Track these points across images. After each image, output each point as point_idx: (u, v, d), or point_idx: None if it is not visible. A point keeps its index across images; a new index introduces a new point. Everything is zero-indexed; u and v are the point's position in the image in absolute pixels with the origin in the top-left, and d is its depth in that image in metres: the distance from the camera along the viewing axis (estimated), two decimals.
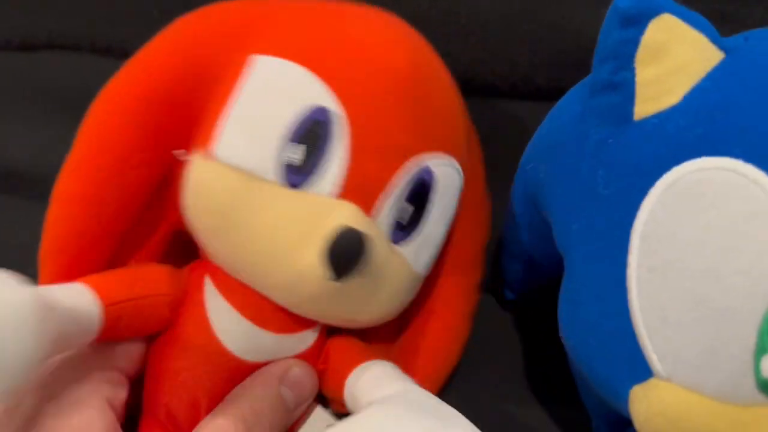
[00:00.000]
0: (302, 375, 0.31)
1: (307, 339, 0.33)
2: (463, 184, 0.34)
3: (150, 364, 0.31)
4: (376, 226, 0.30)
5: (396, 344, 0.38)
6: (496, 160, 0.39)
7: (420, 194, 0.31)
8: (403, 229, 0.31)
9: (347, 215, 0.28)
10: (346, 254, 0.27)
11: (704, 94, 0.22)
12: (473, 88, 0.39)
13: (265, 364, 0.32)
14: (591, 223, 0.24)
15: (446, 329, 0.37)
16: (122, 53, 0.31)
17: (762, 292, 0.20)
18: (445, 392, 0.37)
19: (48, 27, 0.45)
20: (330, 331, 0.35)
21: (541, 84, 0.39)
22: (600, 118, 0.24)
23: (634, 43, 0.22)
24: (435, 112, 0.32)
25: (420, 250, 0.32)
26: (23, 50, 0.46)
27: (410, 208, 0.31)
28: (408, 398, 0.28)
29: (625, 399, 0.23)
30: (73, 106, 0.31)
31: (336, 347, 0.34)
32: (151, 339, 0.31)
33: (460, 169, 0.33)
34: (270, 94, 0.30)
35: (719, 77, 0.22)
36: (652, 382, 0.22)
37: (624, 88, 0.23)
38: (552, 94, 0.36)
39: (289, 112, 0.29)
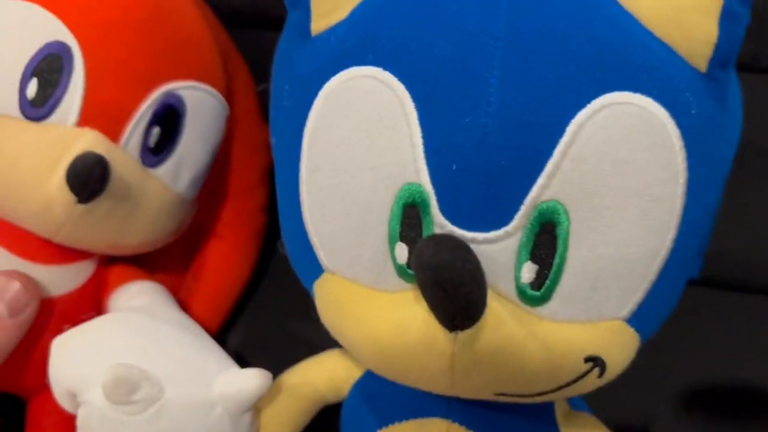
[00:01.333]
0: (9, 286, 0.30)
1: (83, 270, 0.34)
2: (227, 109, 0.35)
3: None
4: (122, 151, 0.31)
5: (186, 272, 0.39)
6: None
7: (170, 119, 0.32)
8: (156, 152, 0.32)
9: (88, 142, 0.29)
10: (85, 176, 0.28)
11: (363, 8, 0.23)
12: None
13: (48, 299, 0.32)
14: (280, 134, 0.25)
15: (232, 249, 0.39)
16: None
17: (389, 185, 0.21)
18: None
19: None
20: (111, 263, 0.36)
21: None
22: (290, 34, 0.25)
23: None
24: (181, 42, 0.32)
25: (178, 172, 0.33)
26: None
27: (159, 133, 0.32)
28: (147, 310, 0.31)
29: (313, 295, 0.25)
30: None
31: (112, 274, 0.35)
32: None
33: (219, 95, 0.34)
34: (4, 34, 0.30)
35: None
36: (324, 277, 0.24)
37: (303, 4, 0.24)
38: None
39: (23, 49, 0.30)
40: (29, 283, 0.31)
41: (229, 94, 0.35)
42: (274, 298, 0.40)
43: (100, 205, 0.30)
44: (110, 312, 0.33)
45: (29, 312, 0.30)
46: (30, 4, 0.30)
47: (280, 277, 0.40)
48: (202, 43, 0.34)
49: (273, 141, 0.26)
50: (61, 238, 0.32)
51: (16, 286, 0.30)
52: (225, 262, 0.39)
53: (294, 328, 0.38)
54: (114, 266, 0.36)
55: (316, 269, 0.24)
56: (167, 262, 0.38)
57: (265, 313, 0.40)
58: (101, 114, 0.30)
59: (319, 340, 0.28)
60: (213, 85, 0.34)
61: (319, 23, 0.24)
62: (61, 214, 0.30)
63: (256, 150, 0.39)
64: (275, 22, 0.28)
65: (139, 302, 0.32)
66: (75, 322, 0.33)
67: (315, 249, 0.24)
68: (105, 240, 0.32)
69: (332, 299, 0.24)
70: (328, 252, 0.24)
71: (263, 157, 0.39)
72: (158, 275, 0.38)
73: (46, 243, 0.32)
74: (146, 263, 0.37)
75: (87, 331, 0.29)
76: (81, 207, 0.29)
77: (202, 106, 0.33)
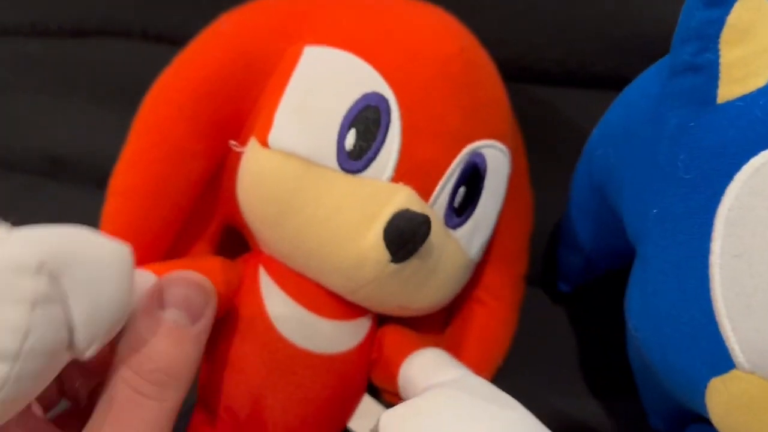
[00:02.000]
0: (181, 289, 0.25)
1: (362, 327, 0.33)
2: (510, 168, 0.34)
3: (205, 356, 0.31)
4: (432, 209, 0.30)
5: (443, 335, 0.37)
6: (550, 149, 0.38)
7: (473, 178, 0.31)
8: (458, 213, 0.31)
9: (405, 198, 0.28)
10: (404, 235, 0.28)
11: None
12: (527, 74, 0.39)
13: (325, 356, 0.31)
14: (670, 208, 0.23)
15: (494, 319, 0.37)
16: (172, 40, 0.32)
17: None
18: (498, 385, 0.36)
19: (100, 14, 0.45)
20: (380, 322, 0.35)
21: (599, 71, 0.38)
22: (680, 100, 0.23)
23: (719, 24, 0.21)
24: (484, 99, 0.32)
25: (473, 235, 0.32)
26: (75, 36, 0.46)
27: (464, 193, 0.31)
28: (465, 383, 0.28)
29: (701, 391, 0.23)
30: (123, 93, 0.31)
31: (388, 335, 0.34)
32: None
33: (508, 153, 0.33)
34: (324, 83, 0.30)
35: None
36: (733, 374, 0.21)
37: (707, 69, 0.22)
38: (609, 82, 0.35)
39: (343, 99, 0.29)
40: (203, 286, 0.26)
41: (511, 153, 0.34)
42: None
43: (408, 266, 0.29)
44: (416, 385, 0.31)
45: (209, 315, 0.26)
46: (349, 54, 0.30)
47: None
48: (501, 99, 0.33)
49: (650, 213, 0.24)
50: (358, 296, 0.30)
51: (193, 290, 0.26)
52: (485, 330, 0.37)
53: None
54: (387, 326, 0.34)
55: (721, 365, 0.21)
56: (427, 323, 0.37)
57: None
58: (416, 170, 0.29)
59: None
60: (505, 143, 0.33)
61: (730, 90, 0.22)
62: (371, 272, 0.29)
63: (523, 214, 0.37)
64: None
65: (448, 376, 0.30)
66: (349, 380, 0.33)
67: (727, 343, 0.21)
68: (399, 301, 0.31)
69: (745, 401, 0.21)
70: (752, 349, 0.21)
71: (528, 222, 0.38)
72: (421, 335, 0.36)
73: (333, 297, 0.31)
74: (407, 323, 0.35)
75: (421, 410, 0.27)
76: (392, 266, 0.28)
77: (498, 164, 0.32)
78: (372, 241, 0.28)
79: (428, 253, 0.29)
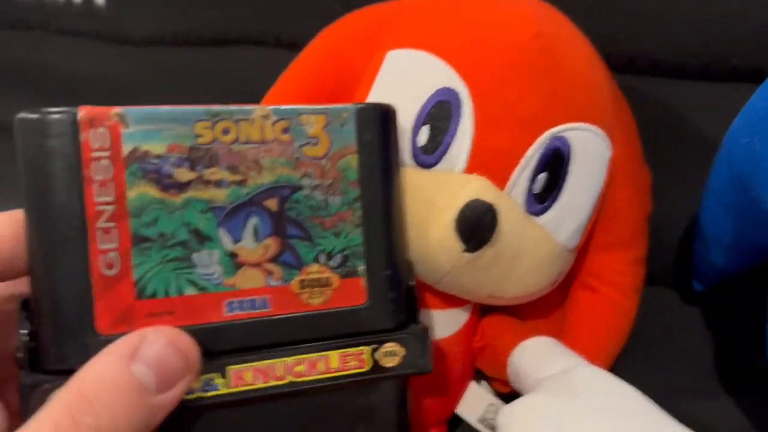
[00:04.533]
0: (162, 349, 0.22)
1: (459, 317, 0.34)
2: (613, 152, 0.32)
3: None
4: (508, 197, 0.30)
5: (554, 324, 0.37)
6: (685, 142, 0.37)
7: (555, 163, 0.30)
8: (541, 200, 0.30)
9: (476, 189, 0.29)
10: (474, 224, 0.28)
11: None
12: (662, 68, 0.37)
13: None
14: None
15: (607, 306, 0.35)
16: (305, 46, 0.34)
17: None
18: None
19: (237, 24, 0.49)
20: (485, 311, 0.35)
21: (737, 64, 0.35)
22: None
23: None
24: (568, 82, 0.31)
25: (562, 221, 0.31)
26: (213, 45, 0.50)
27: (545, 179, 0.30)
28: (579, 375, 0.28)
29: None
30: (256, 98, 0.34)
31: (492, 324, 0.34)
32: None
33: (606, 136, 0.32)
34: (399, 84, 0.31)
35: None
36: None
37: None
38: (746, 74, 0.34)
39: (417, 98, 0.30)
40: (186, 353, 0.22)
41: (612, 136, 0.32)
42: None
43: (484, 254, 0.29)
44: (526, 376, 0.31)
45: (178, 390, 0.22)
46: (424, 53, 0.31)
47: None
48: (592, 81, 0.32)
49: None
50: (443, 285, 0.31)
51: (173, 354, 0.22)
52: (597, 317, 0.36)
53: None
54: (491, 315, 0.35)
55: None
56: (535, 312, 0.36)
57: None
58: (489, 160, 0.29)
59: None
60: (601, 125, 0.31)
61: None
62: (447, 262, 0.29)
63: (638, 197, 0.35)
64: None
65: (560, 366, 0.30)
66: (449, 367, 0.33)
67: None
68: (485, 289, 0.31)
69: None
70: None
71: (645, 205, 0.36)
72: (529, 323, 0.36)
73: (427, 287, 0.32)
74: (516, 314, 0.36)
75: (536, 406, 0.27)
76: (467, 256, 0.29)
77: (588, 147, 0.31)
78: (445, 232, 0.29)
79: (507, 241, 0.29)
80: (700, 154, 0.34)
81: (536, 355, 0.32)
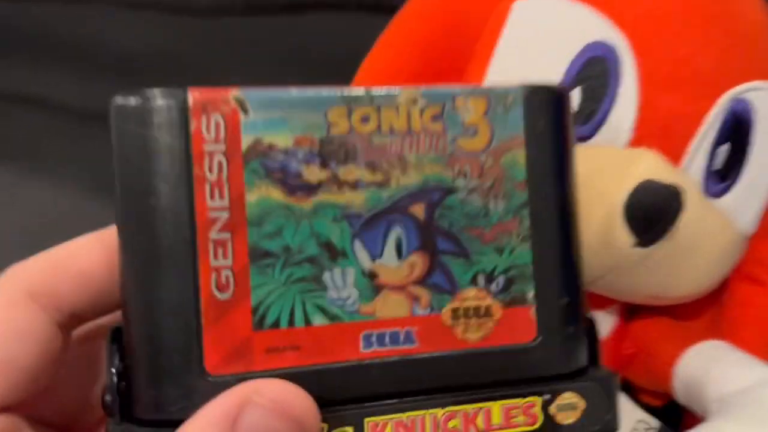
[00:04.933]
0: (267, 419, 0.17)
1: (606, 321, 0.30)
2: None
3: None
4: (686, 177, 0.26)
5: (712, 323, 0.32)
6: None
7: (738, 132, 0.26)
8: (721, 178, 0.27)
9: (649, 166, 0.25)
10: (651, 215, 0.24)
11: None
12: None
13: None
14: None
15: None
16: (391, 8, 0.30)
17: None
18: None
19: None
20: (632, 313, 0.31)
21: None
22: None
23: None
24: (747, 32, 0.27)
25: (744, 203, 0.27)
26: (286, 12, 0.47)
27: (727, 151, 0.27)
28: None
29: None
30: (339, 68, 0.30)
31: (647, 329, 0.30)
32: None
33: None
34: (536, 40, 0.28)
35: None
36: None
37: None
38: None
39: (560, 56, 0.27)
40: (302, 423, 0.17)
41: None
42: None
43: (659, 249, 0.25)
44: (703, 390, 0.27)
45: None
46: (563, 0, 0.27)
47: None
48: None
49: None
50: (598, 286, 0.27)
51: (285, 425, 0.17)
52: (766, 314, 0.31)
53: None
54: (642, 317, 0.30)
55: None
56: (691, 311, 0.31)
57: None
58: (660, 130, 0.26)
59: None
60: None
61: None
62: (611, 259, 0.25)
63: None
64: None
65: (744, 381, 0.26)
66: None
67: None
68: (648, 290, 0.27)
69: None
70: None
71: None
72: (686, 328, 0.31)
73: None
74: (665, 312, 0.31)
75: None
76: (638, 252, 0.24)
77: None
78: (611, 222, 0.24)
79: (683, 231, 0.25)
80: None
81: (711, 365, 0.28)
